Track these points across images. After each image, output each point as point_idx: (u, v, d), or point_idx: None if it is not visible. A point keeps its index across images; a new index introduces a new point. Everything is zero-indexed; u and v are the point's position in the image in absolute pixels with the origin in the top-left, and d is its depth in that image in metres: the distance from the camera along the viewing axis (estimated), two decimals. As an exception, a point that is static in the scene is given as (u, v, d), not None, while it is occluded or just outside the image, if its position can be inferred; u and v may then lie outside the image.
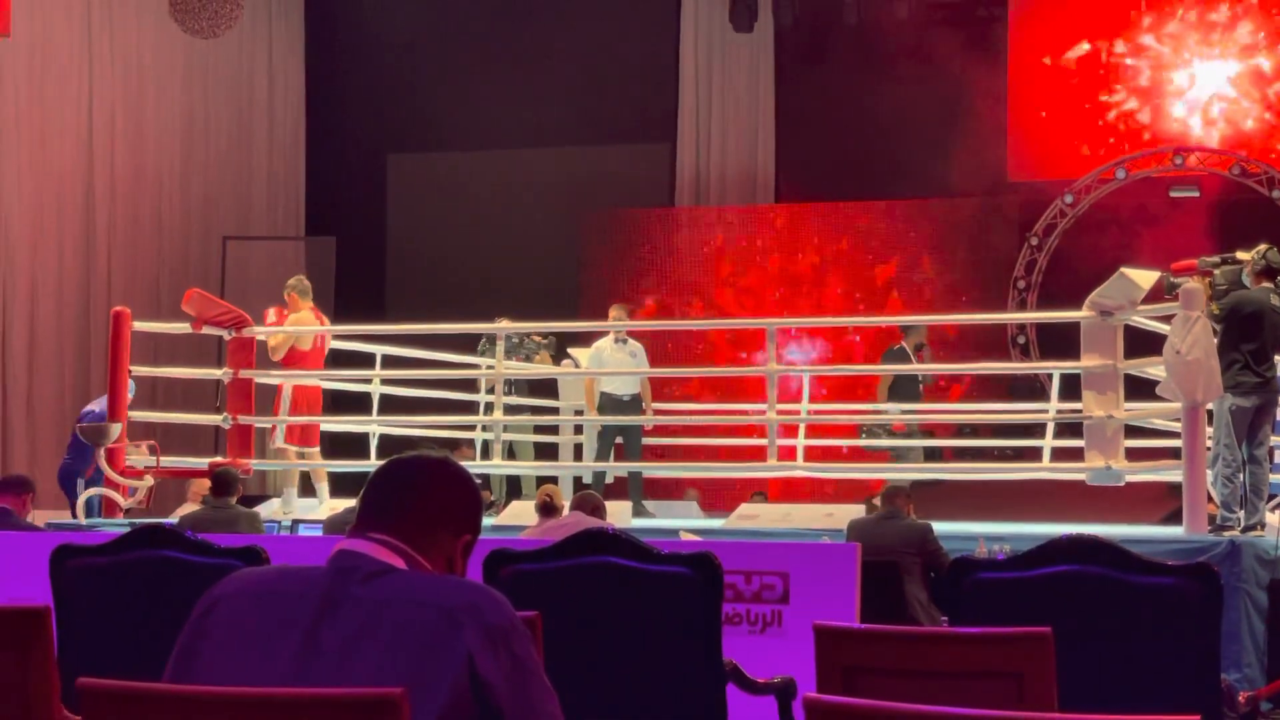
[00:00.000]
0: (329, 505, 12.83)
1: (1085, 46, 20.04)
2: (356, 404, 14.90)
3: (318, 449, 13.72)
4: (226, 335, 13.66)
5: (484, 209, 21.62)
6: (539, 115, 21.30)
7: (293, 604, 3.02)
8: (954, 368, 18.24)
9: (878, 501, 10.95)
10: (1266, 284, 10.73)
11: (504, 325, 13.98)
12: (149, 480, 13.16)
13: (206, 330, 13.76)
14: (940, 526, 10.32)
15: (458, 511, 3.21)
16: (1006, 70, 20.03)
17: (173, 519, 11.44)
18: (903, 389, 15.29)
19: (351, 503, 10.87)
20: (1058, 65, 20.11)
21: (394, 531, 3.12)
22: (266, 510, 12.99)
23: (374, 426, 14.12)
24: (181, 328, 14.02)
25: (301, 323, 13.53)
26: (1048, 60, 20.13)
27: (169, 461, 13.65)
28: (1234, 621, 8.99)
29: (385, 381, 14.40)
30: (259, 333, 13.54)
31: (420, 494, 3.18)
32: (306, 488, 13.94)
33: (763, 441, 12.93)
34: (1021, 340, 19.29)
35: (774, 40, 21.13)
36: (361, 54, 21.98)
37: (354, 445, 14.40)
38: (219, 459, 13.21)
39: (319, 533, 11.24)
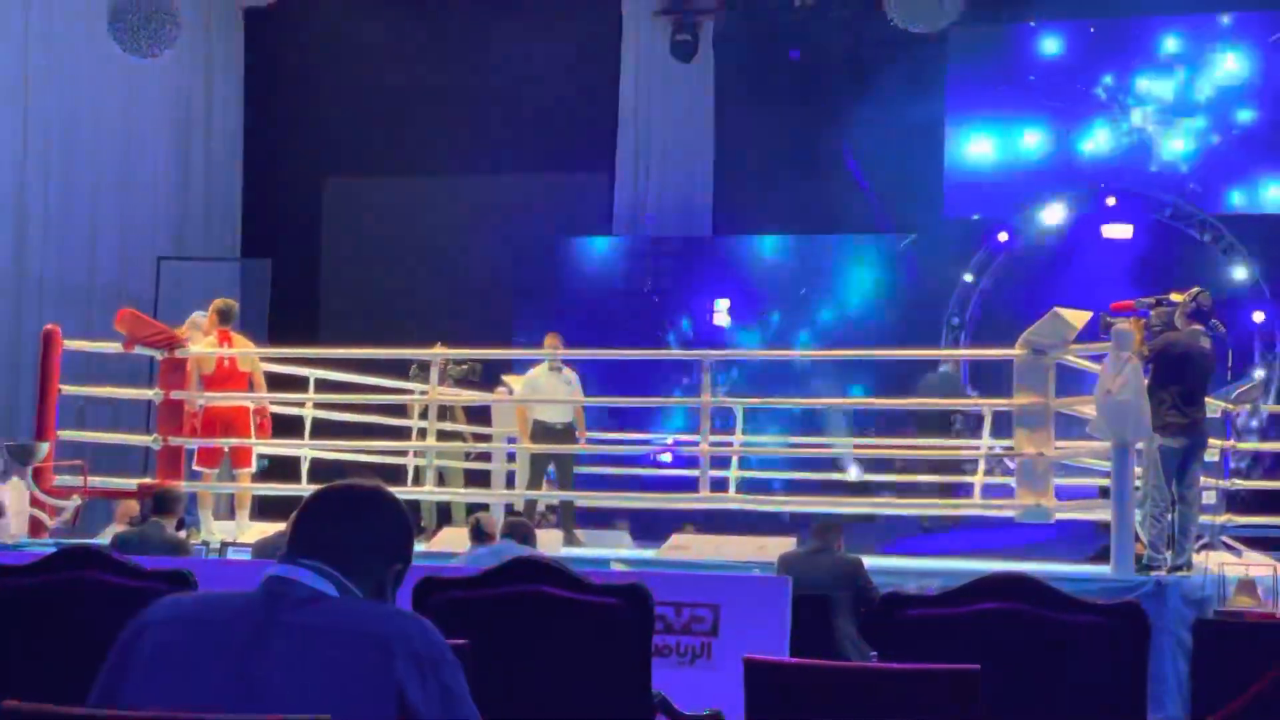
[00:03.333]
0: (256, 529, 12.75)
1: (1024, 85, 20.18)
2: (288, 428, 14.82)
3: (248, 470, 13.62)
4: (158, 356, 13.57)
5: (420, 235, 21.57)
6: (477, 142, 21.27)
7: (223, 630, 3.01)
8: (885, 403, 18.27)
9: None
10: (1196, 326, 10.83)
11: (439, 351, 13.95)
12: (76, 500, 13.05)
13: (138, 350, 13.66)
14: (871, 561, 10.34)
15: (389, 540, 3.21)
16: (944, 108, 20.15)
17: (101, 539, 11.35)
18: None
19: (280, 527, 10.81)
20: (996, 103, 20.24)
21: (326, 558, 3.11)
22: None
23: (305, 450, 14.06)
24: (113, 347, 13.91)
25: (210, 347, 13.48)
26: (985, 98, 20.26)
27: (97, 482, 13.54)
28: (1159, 661, 9.05)
29: (318, 405, 14.34)
30: (191, 353, 13.46)
31: (352, 522, 3.17)
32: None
33: (695, 472, 12.93)
34: (954, 377, 19.36)
35: (714, 72, 21.20)
36: (300, 78, 21.92)
37: (285, 469, 14.32)
38: (148, 480, 13.11)
39: (248, 556, 11.16)
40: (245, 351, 13.48)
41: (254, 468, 13.52)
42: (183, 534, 11.91)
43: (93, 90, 20.22)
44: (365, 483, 3.27)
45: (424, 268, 21.42)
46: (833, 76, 20.40)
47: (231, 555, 11.43)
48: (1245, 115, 19.36)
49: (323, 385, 14.25)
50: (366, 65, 21.62)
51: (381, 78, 21.66)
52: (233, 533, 12.89)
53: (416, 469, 14.26)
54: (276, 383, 14.27)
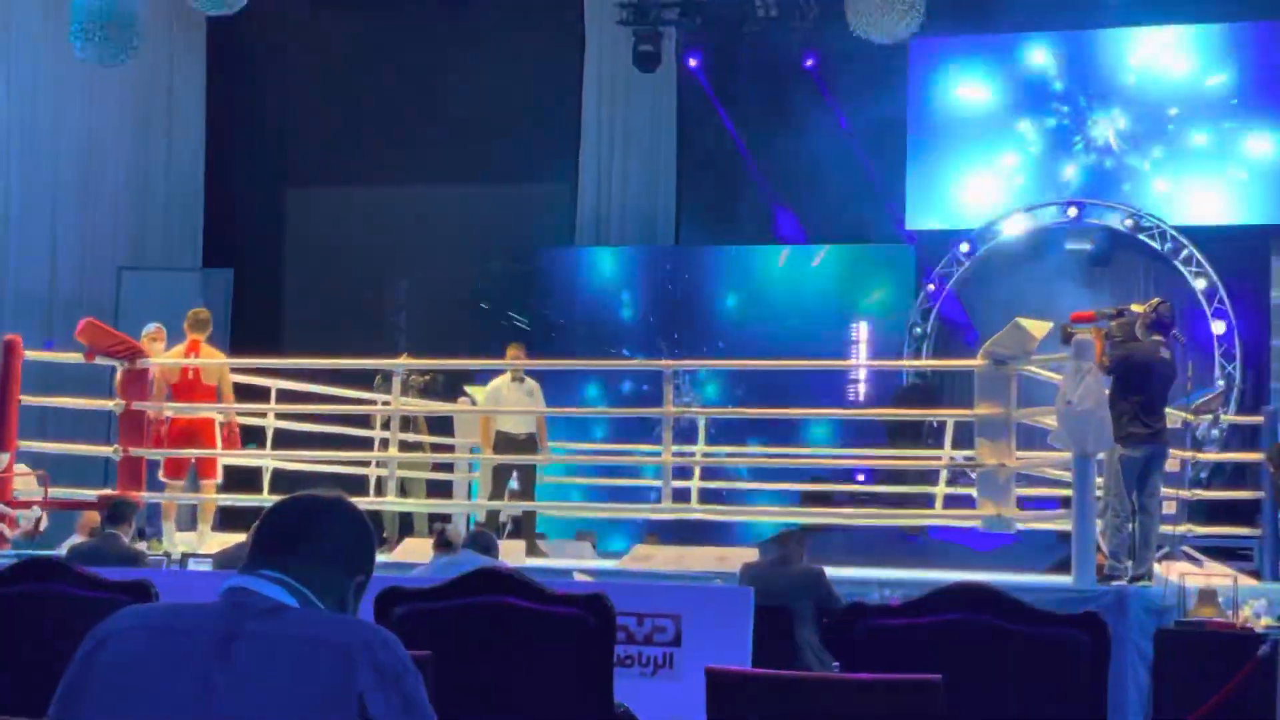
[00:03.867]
0: (218, 540, 12.71)
1: (985, 96, 20.25)
2: (251, 438, 14.78)
3: (213, 481, 13.58)
4: (119, 366, 13.51)
5: (383, 246, 21.55)
6: (440, 153, 21.26)
7: (184, 641, 2.99)
8: (844, 413, 18.32)
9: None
10: (1157, 337, 10.88)
11: (401, 362, 13.93)
12: (37, 511, 12.98)
13: (99, 361, 13.60)
14: (833, 572, 10.35)
15: (351, 551, 3.20)
16: (906, 118, 20.19)
17: (60, 550, 11.30)
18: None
19: (242, 538, 10.77)
20: (957, 114, 20.30)
21: (287, 569, 3.10)
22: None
23: (268, 461, 14.02)
24: (74, 358, 13.85)
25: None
26: (947, 109, 20.32)
27: (58, 493, 13.47)
28: (1120, 671, 9.08)
29: (280, 416, 14.30)
30: (151, 364, 13.40)
31: (314, 533, 3.16)
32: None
33: (657, 483, 12.93)
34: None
35: (677, 82, 21.21)
36: (263, 88, 21.87)
37: (247, 479, 14.28)
38: (108, 491, 13.04)
39: (209, 568, 11.11)
40: (207, 362, 13.42)
41: (219, 479, 13.47)
42: (142, 545, 11.86)
43: (53, 98, 20.14)
44: (326, 493, 3.26)
45: (387, 278, 21.39)
46: (794, 86, 20.43)
47: (193, 566, 11.37)
48: (1207, 127, 19.44)
49: (285, 395, 14.21)
50: (329, 75, 21.59)
51: (344, 87, 21.64)
52: (195, 544, 12.84)
53: (378, 479, 14.24)
54: (238, 393, 14.23)
